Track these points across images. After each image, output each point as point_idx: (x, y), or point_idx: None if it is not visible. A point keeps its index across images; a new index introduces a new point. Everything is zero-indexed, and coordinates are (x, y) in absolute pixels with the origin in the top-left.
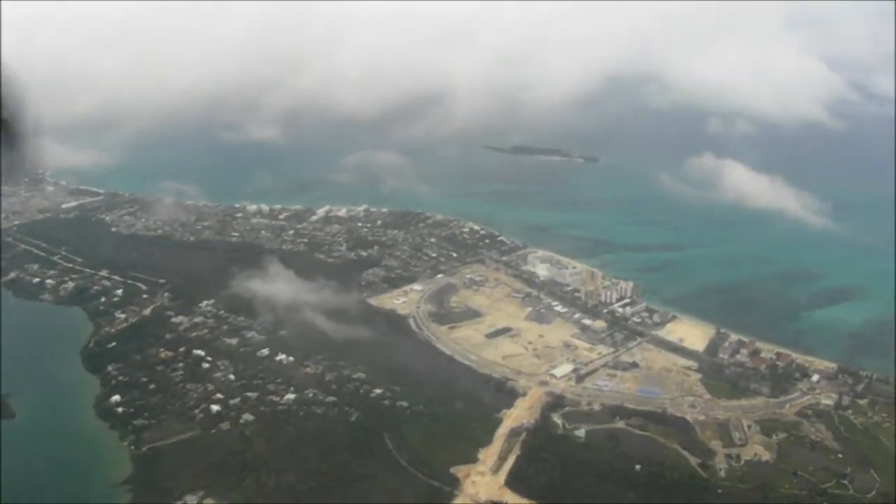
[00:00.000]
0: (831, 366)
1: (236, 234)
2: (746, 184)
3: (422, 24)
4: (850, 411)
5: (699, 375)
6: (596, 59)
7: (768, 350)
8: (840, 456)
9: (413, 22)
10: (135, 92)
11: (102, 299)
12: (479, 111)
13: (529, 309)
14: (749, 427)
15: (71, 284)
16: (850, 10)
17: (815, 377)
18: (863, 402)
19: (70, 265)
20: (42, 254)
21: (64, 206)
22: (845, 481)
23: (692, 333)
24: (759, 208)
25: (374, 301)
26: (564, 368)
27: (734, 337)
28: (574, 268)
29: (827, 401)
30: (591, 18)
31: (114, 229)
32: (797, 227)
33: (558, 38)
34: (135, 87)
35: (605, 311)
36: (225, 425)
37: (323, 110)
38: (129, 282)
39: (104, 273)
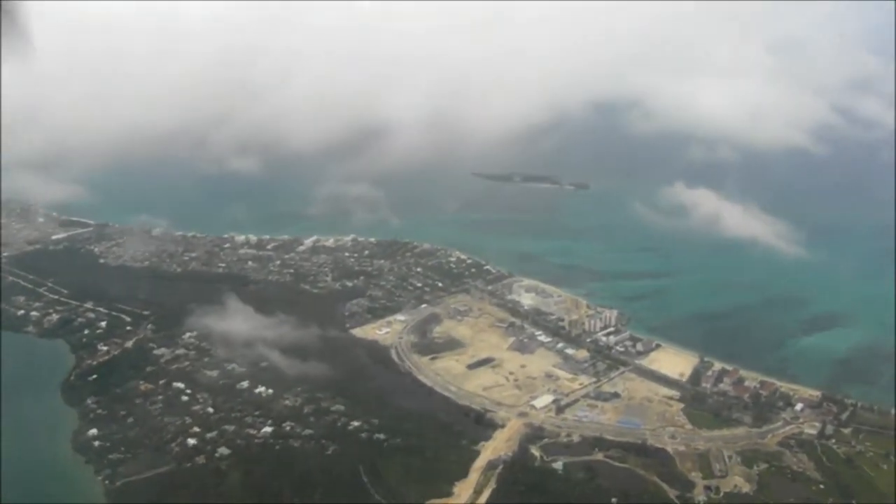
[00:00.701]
0: (816, 394)
1: (223, 264)
2: (725, 211)
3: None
4: (834, 441)
5: (681, 405)
6: (581, 86)
7: (752, 378)
8: (822, 487)
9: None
10: (91, 126)
11: (86, 331)
12: (465, 139)
13: (512, 339)
14: (730, 458)
15: (56, 316)
16: (835, 35)
17: (799, 406)
18: (847, 430)
19: (56, 297)
20: (29, 286)
21: (53, 237)
22: None
23: (676, 362)
24: (742, 236)
25: (357, 332)
26: (545, 399)
27: (718, 365)
28: (559, 296)
29: (810, 430)
30: (575, 43)
31: (102, 261)
32: (782, 253)
33: (542, 64)
34: (91, 122)
35: (588, 340)
36: (200, 459)
37: (295, 142)
38: (114, 313)
39: (89, 305)
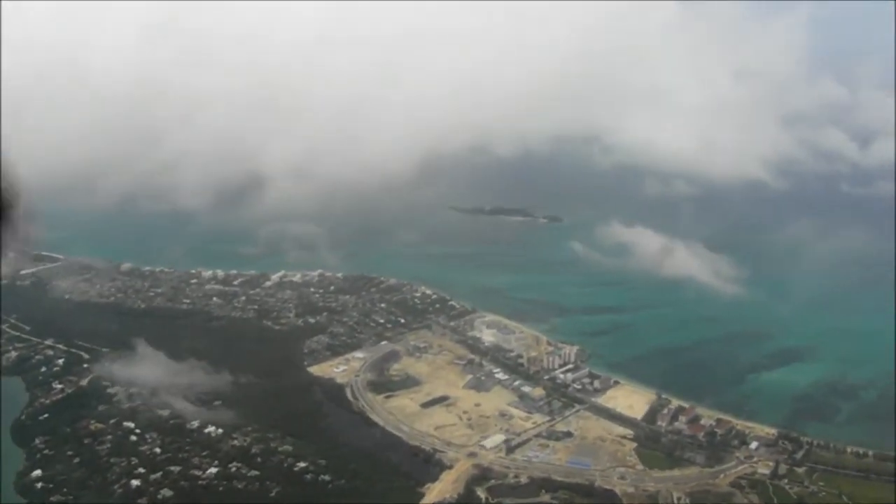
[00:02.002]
0: (772, 432)
1: (188, 300)
2: (682, 247)
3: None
4: (787, 480)
5: (634, 444)
6: (544, 119)
7: (709, 416)
8: None
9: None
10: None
11: (43, 369)
12: (442, 173)
13: (470, 376)
14: (679, 499)
15: (14, 354)
16: (801, 65)
17: (754, 444)
18: (801, 470)
19: (17, 333)
20: None
21: (22, 272)
22: None
23: (633, 400)
24: (702, 271)
25: (314, 369)
26: (495, 439)
27: (676, 403)
28: (521, 333)
29: (763, 469)
30: (533, 74)
31: (67, 296)
32: (743, 286)
33: (505, 99)
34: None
35: (546, 377)
36: (142, 501)
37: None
38: (73, 350)
39: (49, 342)
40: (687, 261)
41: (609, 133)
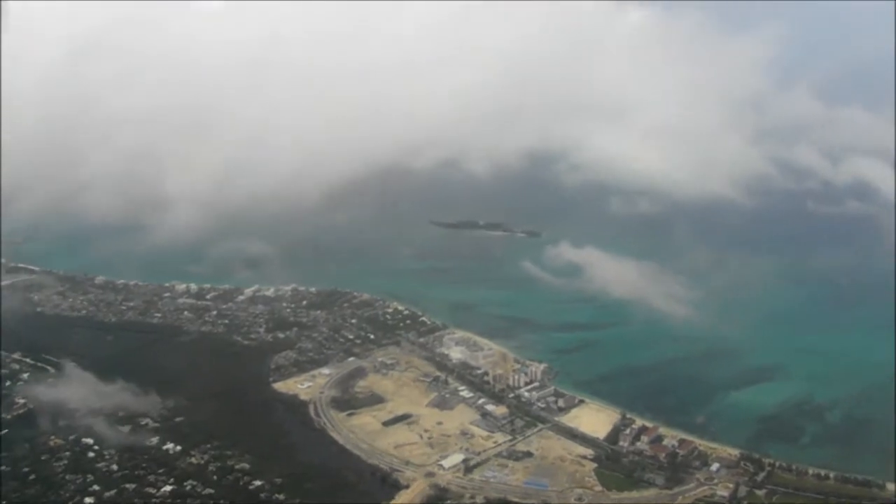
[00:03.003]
0: (735, 453)
1: (159, 314)
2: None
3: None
4: (746, 503)
5: (594, 465)
6: (516, 135)
7: (672, 436)
8: None
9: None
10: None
11: (7, 383)
12: (421, 187)
13: (434, 394)
14: None
15: None
16: (776, 80)
17: (715, 466)
18: (761, 492)
19: None
20: None
21: None
22: None
23: (597, 419)
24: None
25: (279, 385)
26: (454, 458)
27: (640, 422)
28: (489, 350)
29: (723, 492)
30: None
31: (39, 309)
32: (717, 304)
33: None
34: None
35: (511, 395)
36: None
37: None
38: (40, 364)
39: (17, 356)
40: (653, 279)
41: (576, 150)
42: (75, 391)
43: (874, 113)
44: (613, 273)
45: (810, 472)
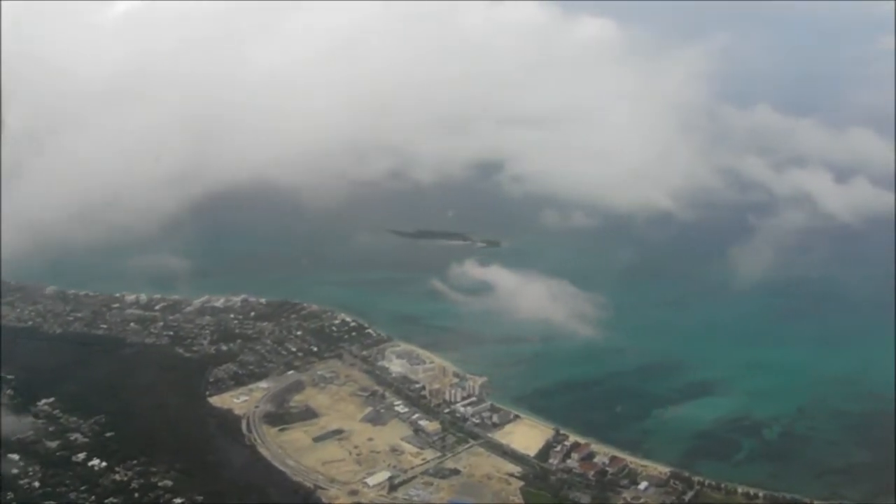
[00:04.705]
0: (665, 471)
1: (105, 325)
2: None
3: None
4: None
5: (521, 483)
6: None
7: (605, 453)
8: None
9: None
10: None
11: None
12: (380, 196)
13: (369, 409)
14: None
15: None
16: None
17: (643, 484)
18: None
19: None
20: None
21: None
22: None
23: (530, 435)
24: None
25: (215, 399)
26: (379, 476)
27: (573, 439)
28: (431, 363)
29: None
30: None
31: None
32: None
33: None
34: None
35: (446, 410)
36: None
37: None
38: None
39: None
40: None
41: (519, 160)
42: (6, 406)
43: (820, 122)
44: (558, 286)
45: (739, 491)
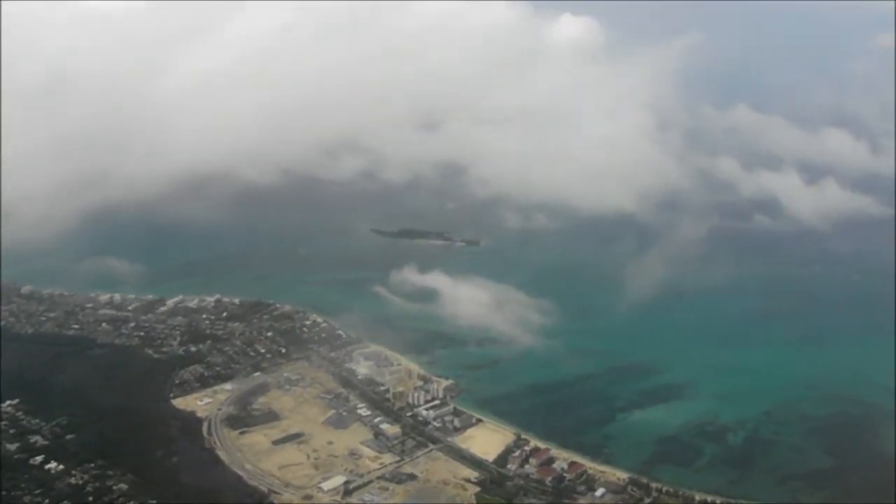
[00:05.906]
0: (624, 477)
1: (77, 326)
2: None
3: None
4: None
5: (477, 489)
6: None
7: (564, 458)
8: None
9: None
10: None
11: None
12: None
13: (332, 412)
14: None
15: None
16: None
17: (601, 491)
18: None
19: None
20: None
21: None
22: None
23: (491, 440)
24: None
25: (179, 401)
26: (335, 481)
27: (534, 443)
28: (398, 365)
29: None
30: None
31: None
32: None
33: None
34: None
35: (408, 414)
36: None
37: None
38: None
39: None
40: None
41: (483, 162)
42: None
43: (793, 123)
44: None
45: (697, 498)
